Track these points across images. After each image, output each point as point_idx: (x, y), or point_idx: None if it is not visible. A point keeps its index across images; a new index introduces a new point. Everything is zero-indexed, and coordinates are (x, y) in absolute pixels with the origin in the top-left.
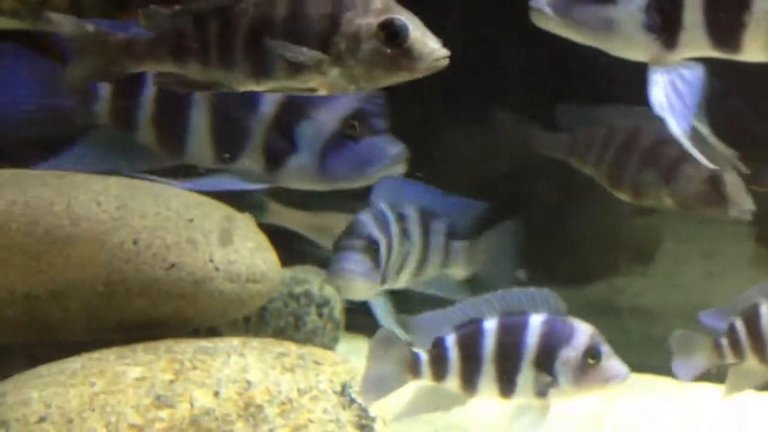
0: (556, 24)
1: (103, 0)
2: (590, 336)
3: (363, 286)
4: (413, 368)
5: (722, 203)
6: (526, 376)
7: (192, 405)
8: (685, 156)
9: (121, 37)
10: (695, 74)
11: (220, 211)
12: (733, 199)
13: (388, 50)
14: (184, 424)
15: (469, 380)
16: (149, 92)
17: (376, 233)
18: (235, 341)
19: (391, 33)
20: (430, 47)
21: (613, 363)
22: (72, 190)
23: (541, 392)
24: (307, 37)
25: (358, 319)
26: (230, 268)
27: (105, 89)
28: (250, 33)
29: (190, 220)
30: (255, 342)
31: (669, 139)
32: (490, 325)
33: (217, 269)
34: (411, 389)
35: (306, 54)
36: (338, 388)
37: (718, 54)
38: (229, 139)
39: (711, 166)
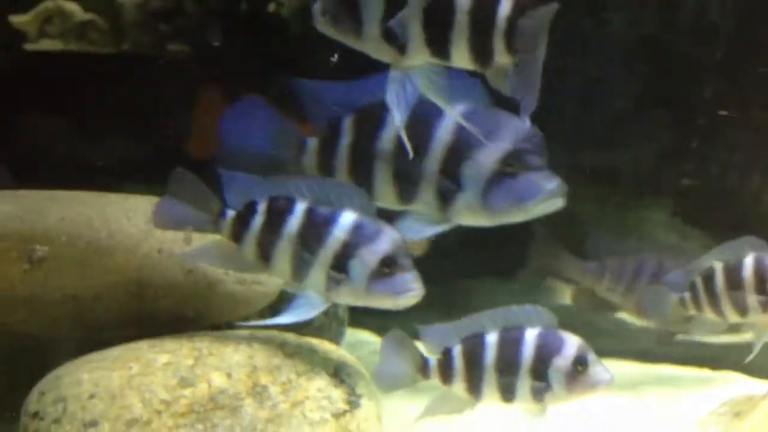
0: (329, 31)
1: (143, 18)
2: (578, 347)
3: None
4: (424, 370)
5: None
6: (523, 383)
7: (210, 385)
8: None
9: None
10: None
11: None
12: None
13: None
14: (204, 400)
15: (474, 386)
16: (344, 143)
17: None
18: (245, 333)
19: None
20: None
21: (599, 369)
22: (107, 207)
23: (538, 397)
24: None
25: (362, 316)
26: (238, 273)
27: (313, 143)
28: None
29: None
30: (260, 334)
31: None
32: (492, 338)
33: (227, 273)
34: (427, 394)
35: None
36: (331, 371)
37: (437, 61)
38: (408, 183)
39: (411, 155)
